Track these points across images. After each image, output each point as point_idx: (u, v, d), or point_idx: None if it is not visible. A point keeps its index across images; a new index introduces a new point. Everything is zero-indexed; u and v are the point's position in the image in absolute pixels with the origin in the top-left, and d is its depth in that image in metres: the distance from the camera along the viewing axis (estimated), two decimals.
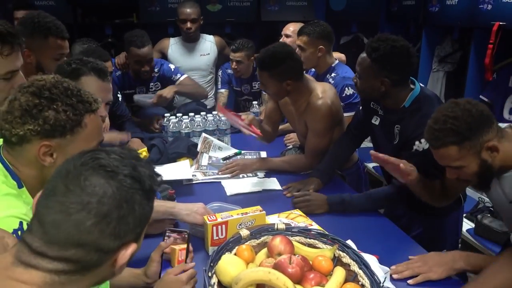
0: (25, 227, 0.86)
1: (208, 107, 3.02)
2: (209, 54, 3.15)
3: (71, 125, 0.94)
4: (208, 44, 3.17)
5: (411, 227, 1.72)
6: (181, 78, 2.81)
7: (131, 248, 0.69)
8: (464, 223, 2.38)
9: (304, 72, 2.03)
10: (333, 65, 2.37)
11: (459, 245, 1.90)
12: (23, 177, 0.96)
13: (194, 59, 3.12)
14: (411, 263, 1.33)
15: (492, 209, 2.73)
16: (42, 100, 0.91)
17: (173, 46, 3.13)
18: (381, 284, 1.11)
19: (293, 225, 1.43)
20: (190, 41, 3.09)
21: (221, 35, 3.42)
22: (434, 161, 1.39)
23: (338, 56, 2.59)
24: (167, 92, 2.63)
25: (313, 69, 2.54)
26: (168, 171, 1.92)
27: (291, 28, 2.82)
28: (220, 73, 3.14)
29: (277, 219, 1.53)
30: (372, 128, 1.82)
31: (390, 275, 1.30)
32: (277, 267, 1.13)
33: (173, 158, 2.06)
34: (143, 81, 2.79)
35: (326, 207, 1.68)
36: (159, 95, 2.60)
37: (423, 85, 1.70)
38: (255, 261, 1.24)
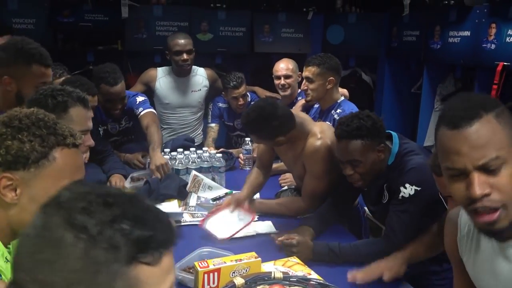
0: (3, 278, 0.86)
1: (196, 143, 3.05)
2: (200, 90, 3.15)
3: (35, 156, 0.93)
4: (200, 78, 3.17)
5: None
6: (142, 113, 2.68)
7: None
8: None
9: (310, 103, 2.09)
10: (339, 101, 2.49)
11: None
12: None
13: (185, 95, 3.12)
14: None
15: None
16: (8, 129, 0.93)
17: (161, 80, 3.11)
18: None
19: (290, 273, 1.45)
20: (182, 75, 3.08)
21: (211, 66, 3.52)
22: (424, 207, 1.63)
23: (342, 91, 2.70)
24: (160, 160, 2.34)
25: (316, 105, 2.63)
26: None
27: (290, 66, 2.92)
28: (210, 106, 3.19)
29: (273, 267, 1.54)
30: (357, 189, 1.93)
31: None
32: None
33: (161, 199, 2.09)
34: (114, 118, 2.76)
35: (310, 256, 1.70)
36: (156, 168, 2.31)
37: (400, 136, 1.84)
38: None
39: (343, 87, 4.41)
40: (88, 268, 0.56)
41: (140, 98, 2.77)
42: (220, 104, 3.17)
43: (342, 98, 2.53)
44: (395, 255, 1.59)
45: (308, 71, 2.46)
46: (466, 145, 0.90)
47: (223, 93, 3.11)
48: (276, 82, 2.95)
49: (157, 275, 0.61)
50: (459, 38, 3.20)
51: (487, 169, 0.89)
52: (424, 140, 3.67)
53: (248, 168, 2.72)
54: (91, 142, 1.52)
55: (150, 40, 3.80)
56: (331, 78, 2.43)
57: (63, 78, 2.53)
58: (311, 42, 4.16)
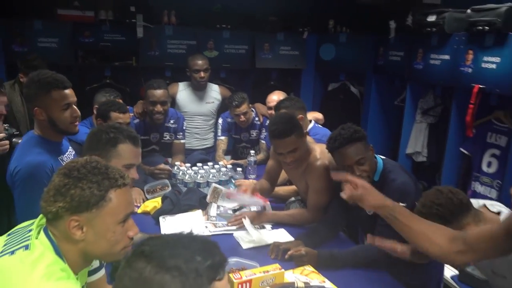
0: None
1: (207, 145, 3.40)
2: (213, 102, 3.49)
3: (95, 200, 1.05)
4: (214, 93, 3.50)
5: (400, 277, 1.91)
6: (182, 141, 3.15)
7: None
8: (449, 270, 2.59)
9: None
10: (307, 129, 2.64)
11: None
12: (63, 252, 1.07)
13: (201, 105, 3.47)
14: None
15: None
16: (70, 179, 1.05)
17: (182, 92, 3.44)
18: None
19: (310, 282, 1.58)
20: (199, 89, 3.43)
21: (216, 80, 3.72)
22: None
23: (315, 116, 2.88)
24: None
25: None
26: (181, 221, 2.06)
27: (281, 98, 2.98)
28: (220, 121, 3.34)
29: (293, 275, 1.68)
30: (348, 204, 2.04)
31: None
32: None
33: (185, 210, 2.20)
34: (157, 127, 3.02)
35: (315, 261, 1.83)
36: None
37: (382, 157, 2.01)
38: None
39: (332, 99, 4.58)
40: None
41: (185, 125, 3.19)
42: (229, 119, 3.31)
43: (312, 123, 2.76)
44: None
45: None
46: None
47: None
48: (269, 111, 3.08)
49: (224, 285, 0.80)
50: (439, 61, 3.34)
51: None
52: (406, 148, 3.84)
53: (252, 177, 2.85)
54: (135, 175, 1.62)
55: (162, 56, 3.90)
56: (300, 116, 2.55)
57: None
58: (306, 58, 4.30)
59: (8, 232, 1.16)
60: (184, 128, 3.16)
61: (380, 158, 1.97)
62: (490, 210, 1.57)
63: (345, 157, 1.87)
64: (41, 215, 1.12)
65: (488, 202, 1.62)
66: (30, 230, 1.10)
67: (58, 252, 1.06)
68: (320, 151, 2.15)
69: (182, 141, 3.13)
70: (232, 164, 2.88)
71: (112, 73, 3.91)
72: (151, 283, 0.73)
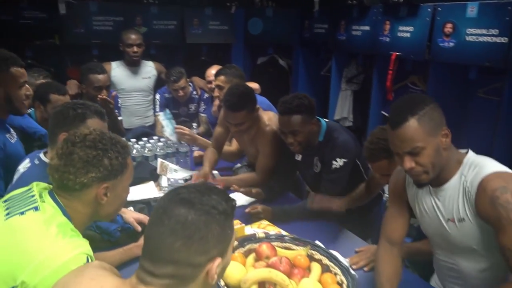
0: (90, 260, 1.06)
1: (148, 123, 3.39)
2: (150, 77, 3.47)
3: (122, 167, 1.17)
4: (149, 68, 3.48)
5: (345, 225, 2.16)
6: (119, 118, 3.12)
7: (216, 262, 0.87)
8: None
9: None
10: None
11: None
12: (71, 214, 1.14)
13: (137, 81, 3.43)
14: (362, 254, 1.74)
15: None
16: (99, 151, 1.13)
17: (115, 70, 3.38)
18: (350, 269, 1.48)
19: (269, 233, 1.74)
20: (133, 65, 3.38)
21: (146, 56, 3.66)
22: (351, 172, 2.06)
23: (252, 86, 2.99)
24: None
25: None
26: (136, 193, 2.12)
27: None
28: (158, 97, 3.35)
29: (251, 229, 1.83)
30: (295, 163, 2.28)
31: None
32: (271, 267, 1.45)
33: (137, 182, 2.25)
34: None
35: (270, 216, 2.03)
36: None
37: (326, 120, 2.21)
38: (246, 265, 1.54)
39: (261, 72, 4.74)
40: (225, 229, 0.90)
41: (120, 102, 3.20)
42: (166, 95, 3.34)
43: None
44: (339, 199, 2.01)
45: (218, 81, 2.70)
46: (399, 138, 1.32)
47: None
48: (209, 85, 3.16)
49: (234, 224, 0.97)
50: (360, 32, 3.63)
51: (412, 153, 1.32)
52: (334, 115, 4.15)
53: (196, 149, 2.92)
54: None
55: (87, 34, 3.76)
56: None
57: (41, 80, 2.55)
58: (235, 33, 4.39)
59: (3, 199, 1.20)
60: (119, 105, 3.14)
61: (324, 120, 2.16)
62: None
63: (282, 123, 2.06)
64: (35, 183, 1.18)
65: None
66: (33, 196, 1.15)
67: (66, 214, 1.12)
68: (268, 118, 2.31)
69: (120, 118, 3.11)
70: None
71: (34, 53, 3.71)
72: (197, 223, 0.85)
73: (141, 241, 1.62)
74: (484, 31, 2.62)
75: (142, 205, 1.94)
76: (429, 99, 1.36)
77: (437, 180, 1.39)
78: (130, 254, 1.61)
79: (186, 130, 2.72)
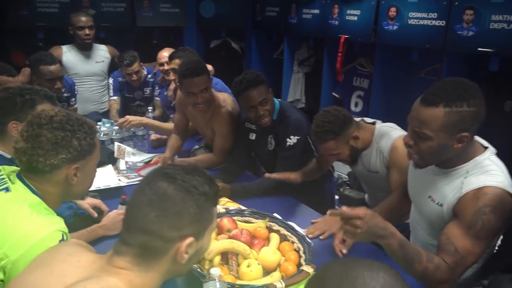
0: (65, 237, 1.10)
1: (104, 109, 3.30)
2: (103, 61, 3.40)
3: (90, 147, 1.20)
4: (102, 52, 3.41)
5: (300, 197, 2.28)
6: (75, 106, 3.10)
7: (188, 240, 0.88)
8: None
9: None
10: None
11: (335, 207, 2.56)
12: (42, 194, 1.17)
13: (90, 65, 3.35)
14: (317, 225, 1.87)
15: (348, 182, 3.56)
16: (67, 132, 1.15)
17: (67, 54, 3.27)
18: (306, 237, 1.61)
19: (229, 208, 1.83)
20: (85, 49, 3.30)
21: (95, 40, 3.56)
22: (303, 148, 2.18)
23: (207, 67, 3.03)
24: None
25: None
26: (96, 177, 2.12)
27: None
28: (111, 81, 3.31)
29: None
30: (250, 142, 2.36)
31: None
32: (233, 238, 1.54)
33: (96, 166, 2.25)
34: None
35: (230, 193, 2.11)
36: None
37: (278, 100, 2.31)
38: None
39: (214, 55, 4.76)
40: (202, 211, 0.92)
41: (76, 89, 3.14)
42: (120, 79, 3.30)
43: None
44: (296, 172, 2.11)
45: (173, 64, 2.71)
46: (417, 115, 1.32)
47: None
48: (160, 68, 3.10)
49: (216, 211, 1.00)
50: (311, 15, 3.75)
51: (417, 134, 1.33)
52: (287, 97, 4.27)
53: (152, 133, 2.93)
54: None
55: (32, 16, 3.65)
56: None
57: None
58: (187, 16, 4.38)
59: None
60: (76, 93, 3.08)
61: (276, 100, 2.26)
62: (366, 122, 1.98)
63: (250, 98, 2.09)
64: (1, 166, 1.19)
65: (365, 118, 2.03)
66: (3, 178, 1.16)
67: (38, 194, 1.15)
68: (222, 99, 2.37)
69: (75, 106, 3.07)
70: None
71: None
72: (174, 198, 0.88)
73: (104, 221, 1.67)
74: (424, 15, 2.80)
75: (95, 193, 1.96)
76: (478, 99, 1.27)
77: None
78: (94, 235, 1.65)
79: (122, 119, 2.71)
